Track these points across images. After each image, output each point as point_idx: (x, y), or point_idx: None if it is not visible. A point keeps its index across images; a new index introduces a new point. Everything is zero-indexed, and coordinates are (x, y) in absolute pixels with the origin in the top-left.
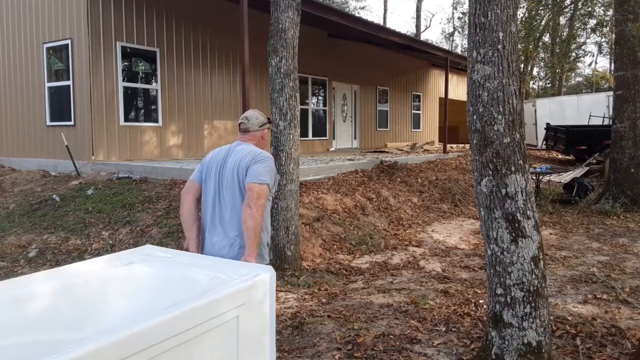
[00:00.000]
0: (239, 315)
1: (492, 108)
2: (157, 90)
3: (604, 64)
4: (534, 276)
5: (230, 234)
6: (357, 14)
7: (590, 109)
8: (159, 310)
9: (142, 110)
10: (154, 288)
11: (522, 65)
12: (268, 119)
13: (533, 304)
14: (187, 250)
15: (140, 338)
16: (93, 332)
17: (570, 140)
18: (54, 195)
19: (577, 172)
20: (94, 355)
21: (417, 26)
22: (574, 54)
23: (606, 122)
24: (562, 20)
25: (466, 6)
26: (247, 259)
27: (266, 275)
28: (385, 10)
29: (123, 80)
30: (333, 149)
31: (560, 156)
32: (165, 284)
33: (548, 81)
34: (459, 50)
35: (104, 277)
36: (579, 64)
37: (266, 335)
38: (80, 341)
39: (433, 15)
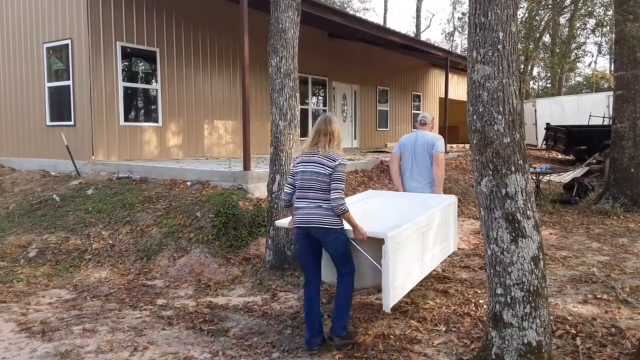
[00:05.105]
0: (447, 217)
1: (492, 108)
2: (157, 90)
3: (604, 64)
4: (534, 276)
5: (423, 181)
6: (361, 15)
7: (590, 109)
8: (425, 209)
9: (142, 110)
10: (400, 206)
11: (522, 65)
12: (432, 117)
13: (533, 304)
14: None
15: (429, 218)
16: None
17: (570, 140)
18: (54, 195)
19: (577, 172)
20: (423, 220)
21: (417, 26)
22: (574, 54)
23: (606, 122)
24: (562, 20)
25: (466, 6)
26: (437, 193)
27: (453, 199)
28: (386, 10)
29: (123, 80)
30: None
31: (560, 156)
32: (403, 204)
33: (548, 81)
34: (459, 50)
35: (369, 204)
36: (578, 64)
37: (452, 225)
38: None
39: (433, 15)
